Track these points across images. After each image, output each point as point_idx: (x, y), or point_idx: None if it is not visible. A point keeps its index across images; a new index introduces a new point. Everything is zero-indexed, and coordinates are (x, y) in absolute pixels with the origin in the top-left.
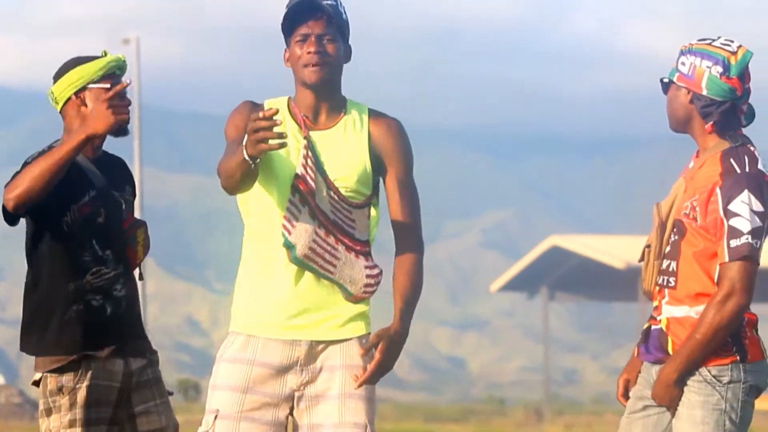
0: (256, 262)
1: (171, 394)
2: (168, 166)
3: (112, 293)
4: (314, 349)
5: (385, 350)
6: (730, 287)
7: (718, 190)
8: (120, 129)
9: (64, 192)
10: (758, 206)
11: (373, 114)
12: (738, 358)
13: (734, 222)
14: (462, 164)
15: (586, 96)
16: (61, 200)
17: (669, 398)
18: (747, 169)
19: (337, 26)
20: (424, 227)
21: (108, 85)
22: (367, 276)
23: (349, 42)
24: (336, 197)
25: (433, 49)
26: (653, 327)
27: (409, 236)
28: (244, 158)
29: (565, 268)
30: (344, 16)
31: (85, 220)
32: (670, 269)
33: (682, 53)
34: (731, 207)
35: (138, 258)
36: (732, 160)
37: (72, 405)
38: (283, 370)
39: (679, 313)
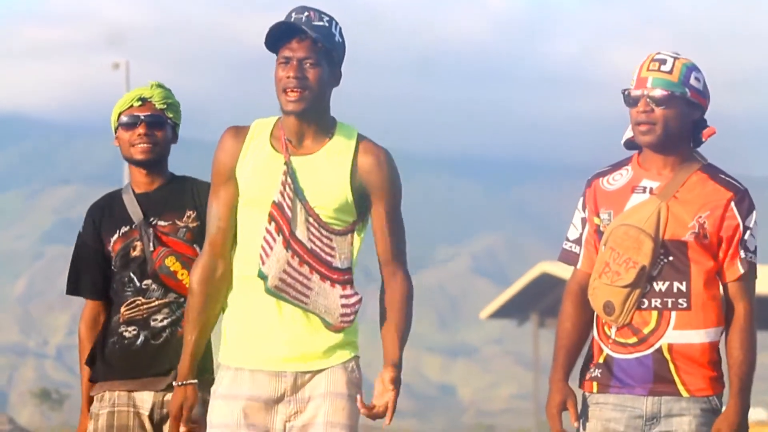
0: (239, 293)
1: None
2: None
3: (149, 323)
4: (300, 379)
5: (394, 401)
6: (752, 303)
7: (733, 205)
8: (141, 161)
9: (101, 237)
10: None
11: (362, 140)
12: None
13: (748, 237)
14: (451, 190)
15: (574, 120)
16: (100, 246)
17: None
18: (744, 186)
19: (325, 50)
20: (414, 252)
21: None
22: (343, 305)
23: (341, 66)
24: (316, 224)
25: (419, 75)
26: (636, 355)
27: (395, 273)
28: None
29: (555, 294)
30: (337, 38)
31: (121, 256)
32: (675, 290)
33: (690, 68)
34: (748, 222)
35: (181, 286)
36: (722, 175)
37: (95, 431)
38: (272, 402)
39: (688, 339)
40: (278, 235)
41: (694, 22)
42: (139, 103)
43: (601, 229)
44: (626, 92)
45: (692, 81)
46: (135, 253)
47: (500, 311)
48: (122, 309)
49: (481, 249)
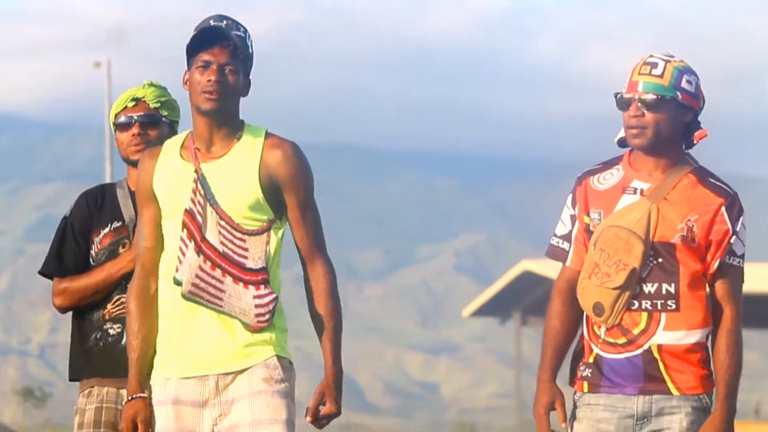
0: (163, 303)
1: None
2: None
3: None
4: (223, 381)
5: (333, 401)
6: (739, 306)
7: (723, 210)
8: (136, 162)
9: (90, 225)
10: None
11: (269, 138)
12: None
13: (735, 242)
14: (432, 188)
15: (555, 119)
16: (88, 234)
17: None
18: (734, 190)
19: (242, 58)
20: (396, 250)
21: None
22: (257, 305)
23: (250, 76)
24: (228, 227)
25: (400, 73)
26: (626, 355)
27: (314, 262)
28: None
29: (537, 292)
30: (250, 50)
31: (109, 250)
32: (664, 292)
33: (682, 71)
34: (737, 227)
35: None
36: (712, 179)
37: (80, 425)
38: (199, 406)
39: (677, 339)
40: (190, 242)
41: (677, 21)
42: (133, 103)
43: (591, 228)
44: (618, 95)
45: (684, 84)
46: (123, 251)
47: (482, 309)
48: (109, 306)
49: (464, 247)
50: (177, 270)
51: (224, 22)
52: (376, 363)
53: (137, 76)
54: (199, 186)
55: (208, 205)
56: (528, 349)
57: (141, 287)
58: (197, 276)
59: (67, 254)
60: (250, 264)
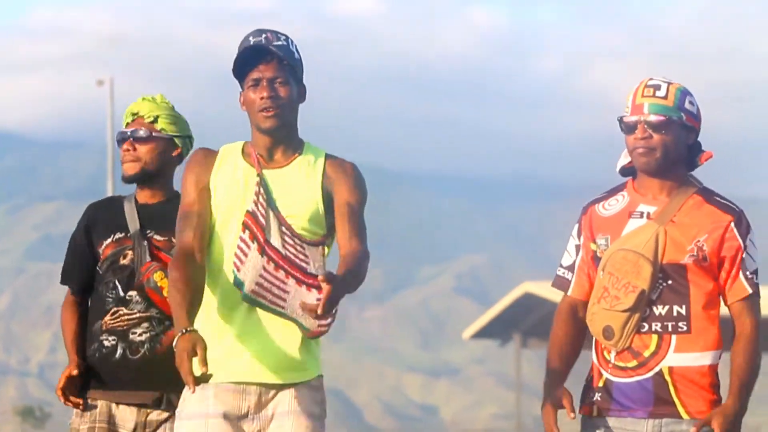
0: (210, 304)
1: None
2: None
3: (128, 336)
4: (265, 396)
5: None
6: (758, 320)
7: (733, 226)
8: (127, 178)
9: (91, 234)
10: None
11: (330, 157)
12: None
13: (747, 258)
14: (435, 209)
15: (559, 140)
16: (89, 240)
17: None
18: (740, 208)
19: (289, 67)
20: (397, 272)
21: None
22: None
23: (303, 81)
24: (289, 233)
25: (405, 92)
26: (636, 378)
27: (351, 244)
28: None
29: (538, 314)
30: (296, 55)
31: (111, 262)
32: (675, 314)
33: (684, 92)
34: (747, 243)
35: (165, 303)
36: (719, 199)
37: None
38: (237, 419)
39: (688, 361)
40: (253, 243)
41: (679, 40)
42: (131, 118)
43: (598, 254)
44: (622, 119)
45: (687, 105)
46: (124, 262)
47: (483, 331)
48: (106, 317)
49: (465, 269)
50: (238, 270)
51: (263, 36)
52: (376, 384)
53: (140, 93)
54: (262, 190)
55: (270, 210)
56: (528, 371)
57: (185, 259)
58: (261, 276)
59: (75, 267)
60: (311, 269)
